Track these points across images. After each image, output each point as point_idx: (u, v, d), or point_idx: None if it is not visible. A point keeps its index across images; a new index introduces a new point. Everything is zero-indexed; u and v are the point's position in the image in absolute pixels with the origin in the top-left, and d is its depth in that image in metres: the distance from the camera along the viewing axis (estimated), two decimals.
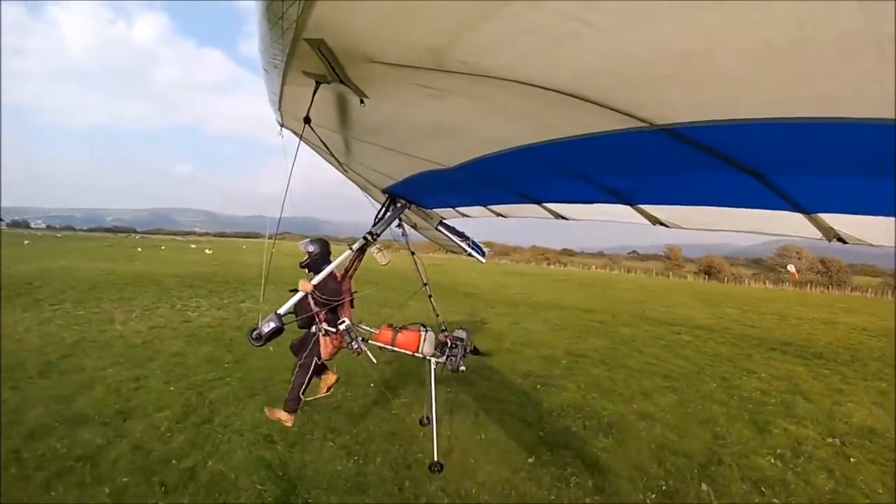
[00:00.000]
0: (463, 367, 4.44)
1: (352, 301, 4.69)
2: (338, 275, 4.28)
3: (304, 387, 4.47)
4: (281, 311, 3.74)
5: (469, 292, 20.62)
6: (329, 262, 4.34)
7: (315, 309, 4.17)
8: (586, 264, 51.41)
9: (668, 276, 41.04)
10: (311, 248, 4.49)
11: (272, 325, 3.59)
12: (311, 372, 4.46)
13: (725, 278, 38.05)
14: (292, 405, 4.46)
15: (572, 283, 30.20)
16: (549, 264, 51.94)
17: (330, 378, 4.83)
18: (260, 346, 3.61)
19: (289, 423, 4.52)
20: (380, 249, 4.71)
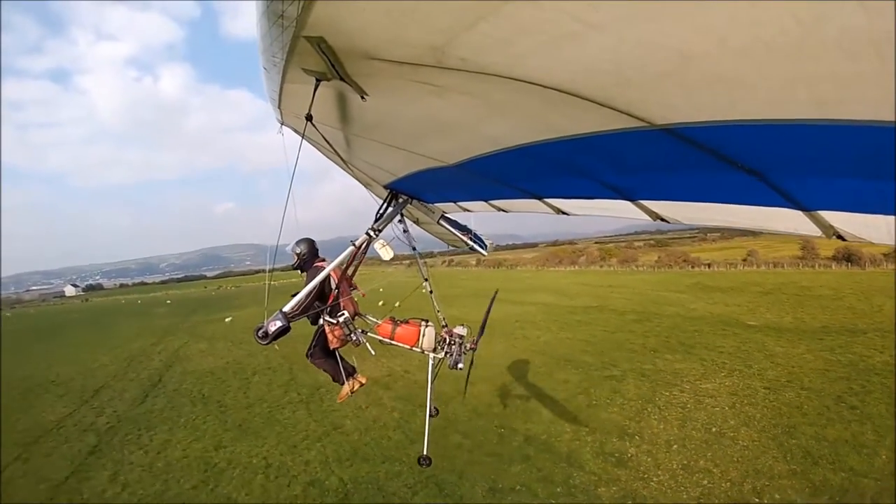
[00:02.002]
0: (461, 365, 4.48)
1: (359, 293, 4.78)
2: (334, 273, 4.29)
3: (335, 364, 4.61)
4: (286, 308, 3.70)
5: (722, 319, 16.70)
6: (317, 257, 4.50)
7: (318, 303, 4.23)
8: (770, 264, 38.80)
9: (815, 266, 37.29)
10: (297, 250, 4.56)
11: (278, 323, 3.54)
12: (326, 354, 4.59)
13: (865, 263, 35.19)
14: (340, 379, 4.65)
15: (823, 299, 21.21)
16: (682, 266, 43.06)
17: (356, 382, 4.85)
18: (266, 344, 3.60)
19: (356, 387, 4.69)
20: (383, 245, 4.71)
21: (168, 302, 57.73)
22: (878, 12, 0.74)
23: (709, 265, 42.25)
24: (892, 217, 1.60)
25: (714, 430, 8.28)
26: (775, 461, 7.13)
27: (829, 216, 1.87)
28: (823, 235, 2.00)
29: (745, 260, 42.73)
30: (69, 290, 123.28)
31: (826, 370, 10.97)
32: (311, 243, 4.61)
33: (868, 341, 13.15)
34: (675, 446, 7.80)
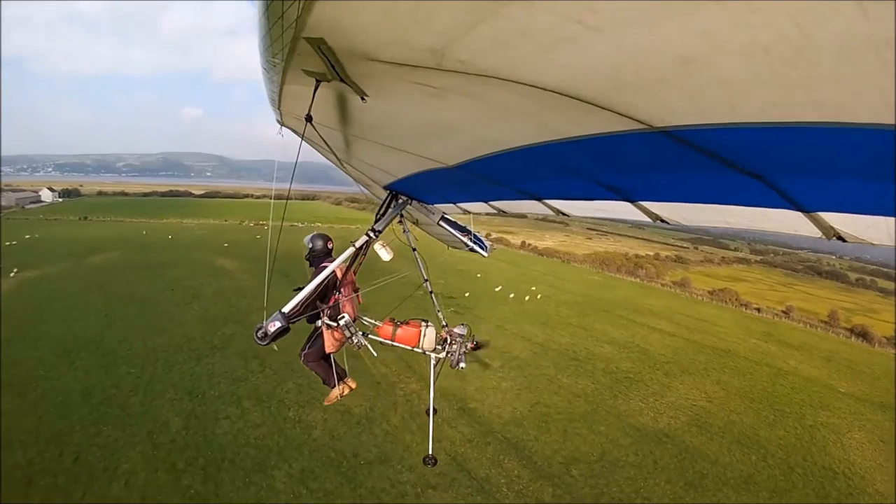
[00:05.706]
0: (463, 364, 4.48)
1: (358, 296, 4.79)
2: (339, 272, 4.30)
3: (327, 368, 4.64)
4: (286, 309, 3.66)
5: None
6: (329, 256, 4.54)
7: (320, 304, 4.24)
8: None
9: (839, 335, 42.24)
10: (311, 245, 4.66)
11: (277, 324, 3.49)
12: (321, 356, 4.60)
13: (875, 343, 40.04)
14: (332, 382, 4.69)
15: (867, 376, 27.36)
16: (735, 306, 48.85)
17: (346, 387, 4.83)
18: (265, 345, 3.58)
19: (345, 392, 4.74)
20: (383, 245, 4.72)
21: (225, 245, 46.39)
22: (878, 16, 0.73)
23: (758, 310, 49.83)
24: (893, 219, 1.60)
25: (883, 458, 15.80)
26: None
27: (830, 217, 1.87)
28: (824, 236, 2.00)
29: (785, 312, 51.29)
30: (45, 195, 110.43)
31: None
32: (325, 241, 4.69)
33: None
34: (883, 467, 15.22)
